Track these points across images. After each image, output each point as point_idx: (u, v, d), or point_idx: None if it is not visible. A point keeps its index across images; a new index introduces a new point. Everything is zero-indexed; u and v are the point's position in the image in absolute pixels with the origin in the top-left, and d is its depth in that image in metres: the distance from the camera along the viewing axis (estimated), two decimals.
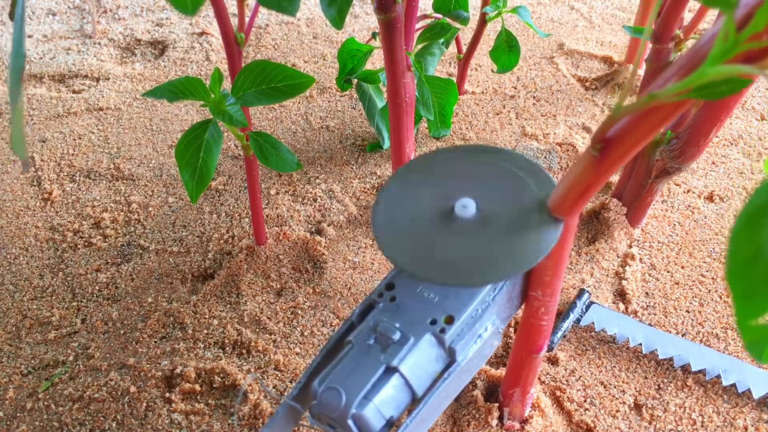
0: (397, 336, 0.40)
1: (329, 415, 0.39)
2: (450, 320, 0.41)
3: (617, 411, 0.60)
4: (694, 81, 0.26)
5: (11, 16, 0.39)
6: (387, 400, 0.40)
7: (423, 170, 0.43)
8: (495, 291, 0.43)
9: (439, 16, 0.80)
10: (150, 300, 0.72)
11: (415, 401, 0.41)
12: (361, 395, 0.39)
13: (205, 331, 0.69)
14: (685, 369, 0.63)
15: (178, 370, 0.65)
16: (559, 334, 0.65)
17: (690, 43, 0.67)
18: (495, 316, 0.44)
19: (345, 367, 0.40)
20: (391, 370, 0.40)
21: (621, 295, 0.70)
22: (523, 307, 0.48)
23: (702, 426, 0.59)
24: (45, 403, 0.64)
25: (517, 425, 0.58)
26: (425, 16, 0.81)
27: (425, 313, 0.42)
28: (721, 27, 0.25)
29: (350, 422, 0.39)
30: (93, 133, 0.97)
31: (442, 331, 0.41)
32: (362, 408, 0.39)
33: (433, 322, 0.41)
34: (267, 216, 0.81)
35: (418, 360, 0.40)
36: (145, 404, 0.63)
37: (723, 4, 0.22)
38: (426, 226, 0.40)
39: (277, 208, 0.82)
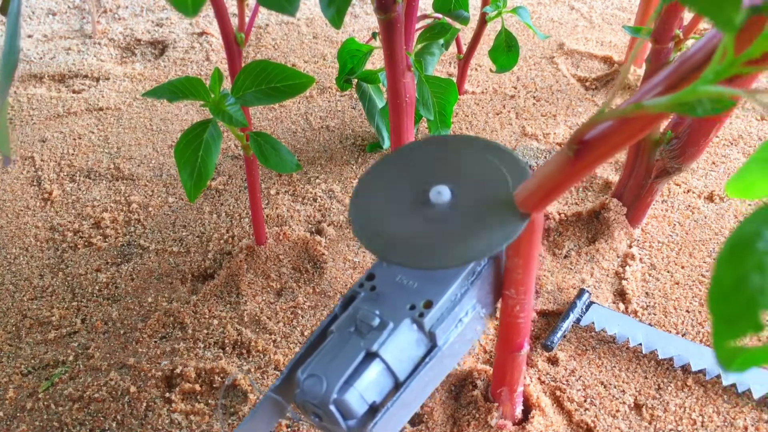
0: (376, 322, 0.41)
1: (312, 402, 0.40)
2: (429, 305, 0.42)
3: (617, 411, 0.60)
4: (685, 97, 0.26)
5: (3, 11, 0.39)
6: (369, 385, 0.40)
7: (402, 161, 0.43)
8: (474, 275, 0.43)
9: (439, 16, 0.80)
10: (150, 300, 0.72)
11: (397, 386, 0.42)
12: (342, 381, 0.39)
13: (205, 331, 0.69)
14: (685, 369, 0.63)
15: (178, 370, 0.65)
16: (559, 334, 0.65)
17: (690, 42, 0.67)
18: (476, 301, 0.44)
19: (326, 354, 0.41)
20: (371, 356, 0.40)
21: (621, 295, 0.70)
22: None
23: (702, 426, 0.59)
24: (45, 403, 0.64)
25: (509, 425, 0.58)
26: (425, 16, 0.81)
27: (404, 299, 0.42)
28: (719, 46, 0.25)
29: (332, 407, 0.39)
30: (93, 133, 0.97)
31: (421, 315, 0.41)
32: (344, 393, 0.39)
33: (412, 308, 0.42)
34: (267, 216, 0.81)
35: (399, 344, 0.41)
36: (145, 404, 0.63)
37: (725, 24, 0.22)
38: (400, 212, 0.41)
39: (277, 208, 0.82)
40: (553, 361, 0.64)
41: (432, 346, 0.42)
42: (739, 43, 0.25)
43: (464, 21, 0.78)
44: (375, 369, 0.40)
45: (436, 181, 0.41)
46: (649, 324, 0.67)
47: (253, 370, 0.65)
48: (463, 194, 0.40)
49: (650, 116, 0.30)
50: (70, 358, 0.67)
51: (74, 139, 0.95)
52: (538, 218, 0.40)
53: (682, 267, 0.73)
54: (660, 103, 0.27)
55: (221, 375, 0.64)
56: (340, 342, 0.41)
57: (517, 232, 0.38)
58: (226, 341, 0.67)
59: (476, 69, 1.04)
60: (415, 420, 0.60)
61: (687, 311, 0.68)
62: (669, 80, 0.29)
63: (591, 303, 0.68)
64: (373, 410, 0.41)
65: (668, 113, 0.29)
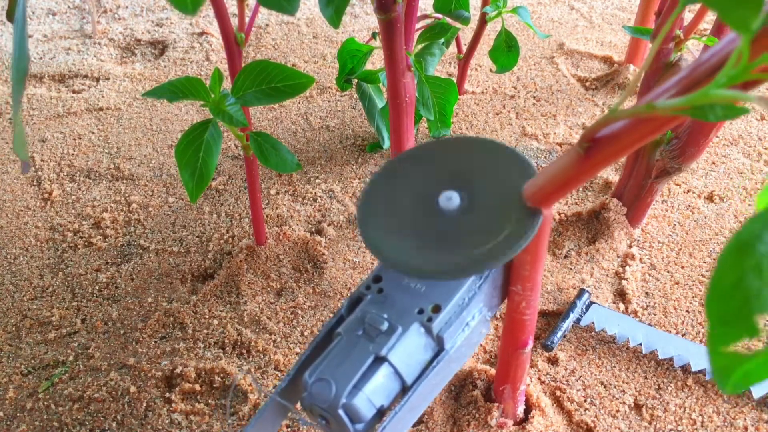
0: (384, 326, 0.41)
1: (320, 406, 0.40)
2: (437, 309, 0.42)
3: (617, 411, 0.60)
4: (697, 100, 0.26)
5: (9, 17, 0.39)
6: (377, 389, 0.40)
7: (406, 166, 0.43)
8: (481, 279, 0.43)
9: (440, 16, 0.80)
10: (150, 300, 0.72)
11: (404, 390, 0.42)
12: (350, 385, 0.39)
13: (205, 331, 0.69)
14: (685, 369, 0.63)
15: (178, 370, 0.65)
16: (559, 334, 0.65)
17: (690, 43, 0.67)
18: (482, 305, 0.44)
19: (334, 358, 0.41)
20: (380, 360, 0.40)
21: (621, 295, 0.70)
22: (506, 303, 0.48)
23: (702, 426, 0.59)
24: (45, 403, 0.64)
25: (510, 423, 0.58)
26: (425, 16, 0.81)
27: (412, 303, 0.42)
28: (734, 50, 0.25)
29: (341, 412, 0.39)
30: (93, 133, 0.97)
31: (430, 319, 0.41)
32: (352, 397, 0.39)
33: (421, 312, 0.42)
34: (267, 216, 0.81)
35: (407, 349, 0.41)
36: (145, 404, 0.63)
37: (742, 26, 0.22)
38: (411, 218, 0.40)
39: (277, 208, 0.82)
40: (553, 361, 0.64)
41: (439, 350, 0.42)
42: (755, 49, 0.25)
43: (465, 21, 0.78)
44: (383, 373, 0.40)
45: (445, 185, 0.41)
46: (649, 324, 0.67)
47: (253, 370, 0.65)
48: (473, 198, 0.40)
49: (663, 118, 0.30)
50: (70, 358, 0.67)
51: (74, 139, 0.95)
52: (547, 214, 0.40)
53: (682, 267, 0.73)
54: (671, 105, 0.27)
55: (221, 375, 0.64)
56: (348, 345, 0.41)
57: (532, 231, 0.38)
58: (226, 341, 0.68)
59: (476, 69, 1.04)
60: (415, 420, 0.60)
61: (687, 311, 0.68)
62: (682, 84, 0.29)
63: (591, 303, 0.68)
64: (381, 414, 0.41)
65: (680, 117, 0.29)
